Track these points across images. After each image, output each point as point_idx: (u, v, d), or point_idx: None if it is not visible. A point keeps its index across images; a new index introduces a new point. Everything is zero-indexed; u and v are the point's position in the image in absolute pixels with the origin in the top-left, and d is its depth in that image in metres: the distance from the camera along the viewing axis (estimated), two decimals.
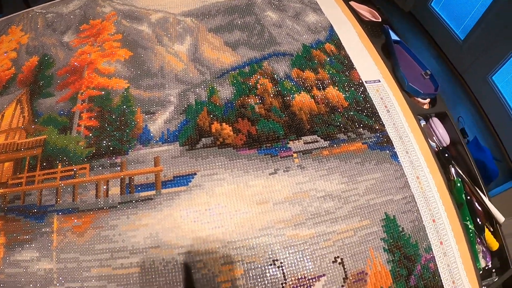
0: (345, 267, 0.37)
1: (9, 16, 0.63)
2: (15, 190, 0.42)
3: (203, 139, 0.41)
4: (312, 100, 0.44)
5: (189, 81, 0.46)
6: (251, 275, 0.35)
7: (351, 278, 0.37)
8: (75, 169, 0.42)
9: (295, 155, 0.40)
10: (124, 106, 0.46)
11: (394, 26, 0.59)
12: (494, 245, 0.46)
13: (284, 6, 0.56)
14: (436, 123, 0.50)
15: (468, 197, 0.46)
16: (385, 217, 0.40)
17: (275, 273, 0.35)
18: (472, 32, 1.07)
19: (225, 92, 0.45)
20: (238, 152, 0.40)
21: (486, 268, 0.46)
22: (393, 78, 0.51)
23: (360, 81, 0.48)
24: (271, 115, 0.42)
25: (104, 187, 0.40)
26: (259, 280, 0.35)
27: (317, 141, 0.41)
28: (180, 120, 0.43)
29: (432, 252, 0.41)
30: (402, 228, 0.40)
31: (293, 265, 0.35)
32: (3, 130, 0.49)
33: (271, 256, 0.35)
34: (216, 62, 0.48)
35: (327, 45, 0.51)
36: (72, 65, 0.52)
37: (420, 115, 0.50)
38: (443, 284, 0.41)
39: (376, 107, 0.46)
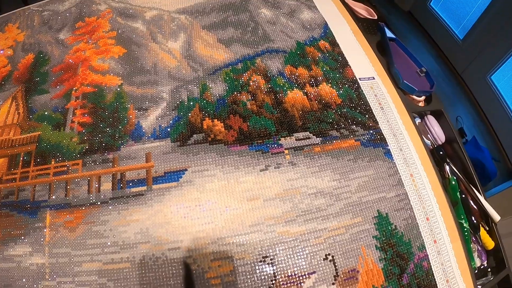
0: (336, 264, 0.36)
1: (6, 14, 0.64)
2: (9, 186, 0.43)
3: (194, 135, 0.41)
4: (305, 96, 0.44)
5: (182, 77, 0.46)
6: (240, 272, 0.34)
7: (342, 275, 0.36)
8: (68, 165, 0.43)
9: (286, 151, 0.40)
10: (117, 103, 0.46)
11: (393, 25, 0.59)
12: (490, 244, 0.45)
13: (278, 4, 0.56)
14: (431, 121, 0.50)
15: (463, 196, 0.45)
16: (378, 214, 0.40)
17: (265, 270, 0.35)
18: (471, 31, 1.07)
19: (218, 88, 0.45)
20: (229, 148, 0.40)
21: (482, 267, 0.46)
22: (388, 75, 0.50)
23: (354, 78, 0.48)
24: (263, 112, 0.42)
25: (96, 182, 0.40)
26: (248, 276, 0.34)
27: (309, 138, 0.41)
28: (172, 116, 0.43)
29: (426, 250, 0.41)
30: (395, 226, 0.40)
31: (283, 262, 0.35)
32: None
33: (261, 252, 0.35)
34: (209, 59, 0.48)
35: (321, 42, 0.51)
36: (67, 62, 0.52)
37: (415, 112, 0.50)
38: (437, 283, 0.40)
39: (370, 104, 0.46)
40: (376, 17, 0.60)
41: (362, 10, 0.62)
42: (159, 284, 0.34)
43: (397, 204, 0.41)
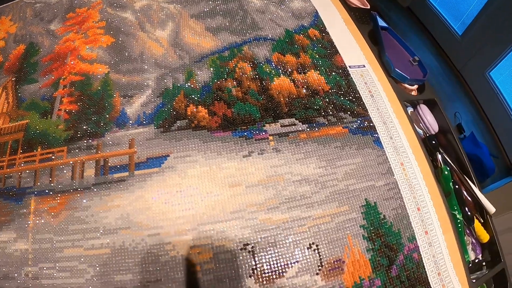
0: (321, 254, 0.35)
1: (0, 6, 0.64)
2: None
3: (178, 121, 0.40)
4: (292, 83, 0.43)
5: (168, 65, 0.46)
6: (220, 259, 0.33)
7: (326, 265, 0.35)
8: (53, 152, 0.42)
9: (270, 137, 0.39)
10: (103, 91, 0.46)
11: (392, 21, 0.58)
12: (485, 237, 0.44)
13: None
14: (424, 110, 0.48)
15: (457, 186, 0.43)
16: (366, 203, 0.38)
17: (245, 258, 0.34)
18: (470, 27, 1.05)
19: (203, 75, 0.44)
20: (212, 135, 0.39)
21: (476, 261, 0.44)
22: (379, 63, 0.49)
23: (344, 65, 0.47)
24: (248, 98, 0.41)
25: (80, 169, 0.40)
26: (228, 264, 0.33)
27: (294, 124, 0.40)
28: (157, 103, 0.42)
29: (416, 241, 0.39)
30: (384, 215, 0.39)
31: (265, 250, 0.34)
32: None
33: (242, 240, 0.34)
34: (196, 47, 0.47)
35: (310, 30, 0.50)
36: (56, 52, 0.52)
37: (407, 101, 0.49)
38: (428, 275, 0.38)
39: (360, 91, 0.45)
40: (368, 7, 0.59)
41: None
42: (138, 271, 0.34)
43: (386, 193, 0.40)
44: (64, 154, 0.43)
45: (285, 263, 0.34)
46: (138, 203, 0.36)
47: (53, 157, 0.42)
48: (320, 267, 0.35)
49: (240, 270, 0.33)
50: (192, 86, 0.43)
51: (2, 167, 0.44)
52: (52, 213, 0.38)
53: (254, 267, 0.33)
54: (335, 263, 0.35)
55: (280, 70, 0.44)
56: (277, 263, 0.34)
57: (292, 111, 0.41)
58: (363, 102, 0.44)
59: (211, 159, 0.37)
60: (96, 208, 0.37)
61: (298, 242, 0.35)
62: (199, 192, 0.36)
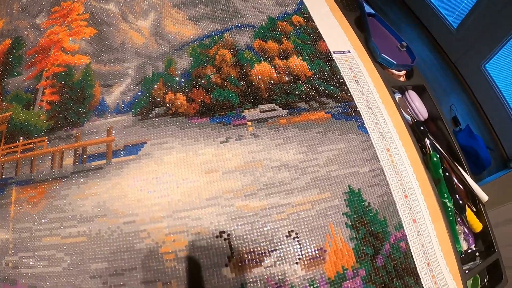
0: (301, 242, 0.34)
1: None
2: None
3: (156, 109, 0.40)
4: (273, 69, 0.42)
5: (149, 54, 0.45)
6: (195, 247, 0.32)
7: (307, 254, 0.33)
8: (34, 142, 0.42)
9: (249, 123, 0.38)
10: (84, 81, 0.45)
11: (387, 15, 0.57)
12: (477, 226, 0.42)
13: None
14: (412, 96, 0.47)
15: (447, 173, 0.42)
16: (349, 190, 0.37)
17: (221, 246, 0.32)
18: (465, 20, 1.04)
19: (183, 63, 0.43)
20: (189, 121, 0.38)
21: (469, 251, 0.42)
22: (365, 49, 0.48)
23: (328, 51, 0.46)
24: (227, 84, 0.40)
25: (59, 158, 0.40)
26: (204, 252, 0.32)
27: (274, 110, 0.39)
28: (136, 91, 0.42)
29: (404, 230, 0.37)
30: (368, 202, 0.37)
31: (241, 238, 0.33)
32: None
33: (217, 227, 0.33)
34: (177, 36, 0.46)
35: (294, 17, 0.49)
36: (40, 45, 0.52)
37: (395, 87, 0.47)
38: (416, 265, 0.37)
39: (344, 77, 0.44)
40: None
41: None
42: (114, 258, 0.33)
43: (371, 180, 0.38)
44: (45, 144, 0.42)
45: (263, 251, 0.33)
46: (115, 191, 0.36)
47: (34, 147, 0.42)
48: (300, 256, 0.33)
49: (215, 259, 0.32)
50: (171, 73, 0.42)
51: None
52: (32, 202, 0.38)
53: (230, 255, 0.32)
54: (316, 252, 0.34)
55: (261, 57, 0.43)
56: (254, 252, 0.32)
57: (272, 97, 0.40)
58: (347, 88, 0.43)
59: (187, 146, 0.36)
60: (74, 197, 0.37)
61: (276, 230, 0.33)
62: (175, 179, 0.35)
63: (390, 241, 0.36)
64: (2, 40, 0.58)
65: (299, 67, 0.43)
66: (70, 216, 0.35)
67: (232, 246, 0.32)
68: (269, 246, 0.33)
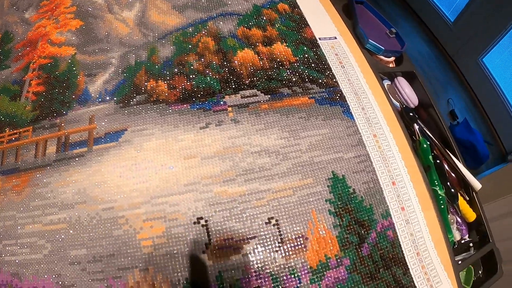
0: (281, 229, 0.32)
1: None
2: None
3: (137, 96, 0.39)
4: (256, 55, 0.41)
5: (132, 43, 0.45)
6: (173, 233, 0.31)
7: (288, 242, 0.32)
8: (20, 132, 0.43)
9: (229, 109, 0.37)
10: (69, 71, 0.45)
11: (383, 8, 0.56)
12: (471, 215, 0.40)
13: None
14: (402, 83, 0.45)
15: (438, 161, 0.40)
16: (333, 176, 0.36)
17: (199, 232, 0.31)
18: (462, 13, 1.02)
19: (165, 51, 0.43)
20: (170, 108, 0.37)
21: (463, 241, 0.40)
22: (353, 36, 0.47)
23: (313, 38, 0.45)
24: (209, 71, 0.40)
25: (43, 146, 0.40)
26: (181, 239, 0.31)
27: (256, 95, 0.38)
28: (119, 80, 0.41)
29: (391, 218, 0.36)
30: (353, 189, 0.36)
31: (220, 224, 0.32)
32: None
33: (195, 213, 0.32)
34: (161, 25, 0.46)
35: (280, 4, 0.48)
36: (28, 38, 0.52)
37: (384, 73, 0.46)
38: (405, 255, 0.35)
39: (329, 62, 0.43)
40: None
41: None
42: (93, 245, 0.32)
43: (356, 166, 0.37)
44: (30, 134, 0.43)
45: (241, 238, 0.32)
46: (95, 178, 0.35)
47: (19, 137, 0.43)
48: (280, 244, 0.32)
49: (193, 246, 0.31)
50: (154, 62, 0.42)
51: None
52: (16, 191, 0.38)
53: (208, 242, 0.31)
54: (297, 239, 0.33)
55: (245, 44, 0.43)
56: (232, 239, 0.32)
57: (254, 82, 0.39)
58: (333, 73, 0.42)
59: (167, 132, 0.36)
60: (56, 184, 0.36)
61: (255, 216, 0.32)
62: (154, 165, 0.34)
63: (376, 230, 0.35)
64: None
65: (283, 53, 0.42)
66: (51, 203, 0.35)
67: (210, 233, 0.32)
68: (248, 233, 0.32)
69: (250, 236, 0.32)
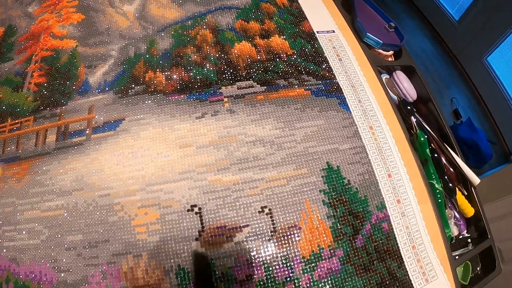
0: (274, 218, 0.33)
1: None
2: None
3: (136, 87, 0.40)
4: (253, 48, 0.42)
5: (132, 36, 0.46)
6: (167, 220, 0.32)
7: (280, 231, 0.32)
8: (21, 122, 0.44)
9: (225, 99, 0.37)
10: (70, 63, 0.46)
11: (388, 7, 0.55)
12: (469, 211, 0.39)
13: None
14: (400, 76, 0.45)
15: (436, 155, 0.40)
16: (327, 167, 0.35)
17: (192, 219, 0.32)
18: (467, 12, 1.01)
19: (164, 43, 0.43)
20: (167, 98, 0.38)
21: (461, 237, 0.39)
22: (351, 29, 0.47)
23: (311, 31, 0.45)
24: (206, 63, 0.40)
25: (43, 135, 0.41)
26: (174, 226, 0.31)
27: (252, 87, 0.38)
28: (118, 71, 0.42)
29: (387, 210, 0.36)
30: (348, 180, 0.36)
31: (213, 212, 0.32)
32: None
33: (189, 201, 0.32)
34: (160, 18, 0.47)
35: None
36: (31, 32, 0.54)
37: (382, 67, 0.46)
38: (400, 248, 0.35)
39: (327, 55, 0.43)
40: None
41: None
42: (88, 231, 0.33)
43: (351, 157, 0.37)
44: (31, 123, 0.44)
45: (234, 226, 0.32)
46: (92, 165, 0.36)
47: (20, 127, 0.44)
48: (273, 233, 0.32)
49: (186, 233, 0.31)
50: (152, 53, 0.43)
51: None
52: (16, 178, 0.39)
53: (201, 229, 0.31)
54: (290, 229, 0.32)
55: (242, 36, 0.43)
56: (225, 226, 0.32)
57: (250, 74, 0.39)
58: (330, 66, 0.42)
59: (164, 121, 0.36)
60: (55, 172, 0.37)
61: (249, 205, 0.32)
62: (150, 153, 0.35)
63: (371, 221, 0.35)
64: None
65: (280, 45, 0.42)
66: (50, 190, 0.36)
67: (203, 220, 0.32)
68: (241, 222, 0.32)
69: (243, 225, 0.32)
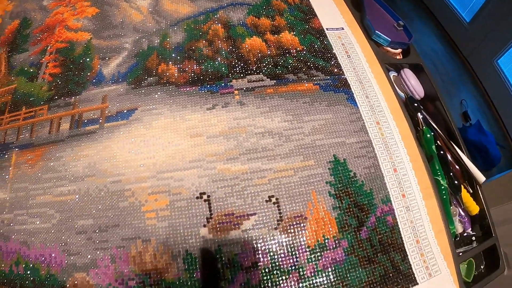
0: (281, 208, 0.33)
1: None
2: None
3: (149, 78, 0.41)
4: (264, 43, 0.42)
5: (145, 30, 0.47)
6: (176, 207, 0.33)
7: (287, 220, 0.33)
8: (35, 110, 0.45)
9: (236, 92, 0.38)
10: (85, 54, 0.48)
11: (399, 8, 0.56)
12: (474, 208, 0.39)
13: None
14: (408, 74, 0.46)
15: (441, 152, 0.40)
16: (334, 159, 0.36)
17: (201, 206, 0.33)
18: (478, 14, 1.00)
19: (177, 37, 0.45)
20: (179, 89, 0.39)
21: (465, 234, 0.40)
22: (360, 27, 0.47)
23: (321, 28, 0.46)
24: (217, 57, 0.41)
25: (57, 123, 0.42)
26: (183, 212, 0.32)
27: (262, 80, 0.39)
28: (131, 63, 0.43)
29: (391, 204, 0.36)
30: (354, 173, 0.36)
31: (221, 200, 0.33)
32: None
33: (198, 189, 0.33)
34: (173, 13, 0.48)
35: None
36: (46, 24, 0.55)
37: (390, 65, 0.46)
38: (404, 241, 0.35)
39: (336, 51, 0.43)
40: None
41: None
42: (99, 216, 0.34)
43: (358, 151, 0.37)
44: (45, 112, 0.45)
45: (241, 214, 0.32)
46: (105, 153, 0.37)
47: (34, 115, 0.45)
48: (279, 222, 0.33)
49: (194, 219, 0.32)
50: (165, 47, 0.44)
51: None
52: (29, 164, 0.40)
53: (209, 216, 0.32)
54: (296, 218, 0.33)
55: (253, 32, 0.44)
56: (233, 214, 0.32)
57: (261, 68, 0.40)
58: (338, 62, 0.42)
59: (175, 112, 0.37)
60: (68, 158, 0.39)
61: (256, 194, 0.33)
62: (161, 142, 0.36)
63: (376, 214, 0.35)
64: (11, 21, 0.62)
65: (290, 41, 0.43)
66: (62, 176, 0.37)
67: (212, 208, 0.33)
68: (248, 210, 0.33)
69: (250, 213, 0.33)
